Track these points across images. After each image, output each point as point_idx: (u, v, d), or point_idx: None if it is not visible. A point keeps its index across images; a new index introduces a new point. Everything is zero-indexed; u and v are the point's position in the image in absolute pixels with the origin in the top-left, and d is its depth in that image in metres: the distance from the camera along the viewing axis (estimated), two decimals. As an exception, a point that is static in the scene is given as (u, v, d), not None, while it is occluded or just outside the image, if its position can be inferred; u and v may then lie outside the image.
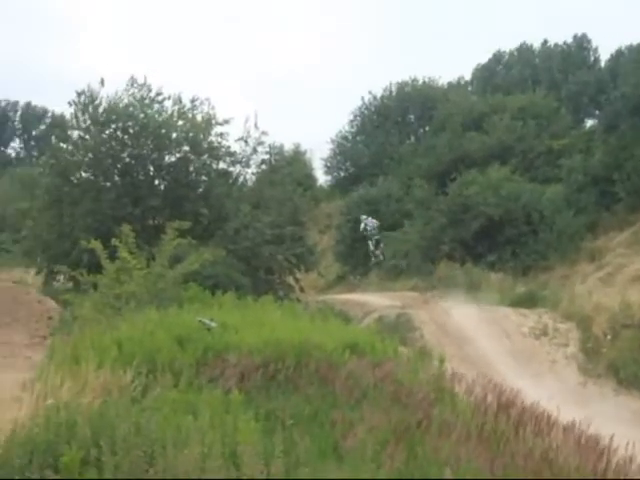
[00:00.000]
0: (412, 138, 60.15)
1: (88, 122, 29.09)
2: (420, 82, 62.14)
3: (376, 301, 31.84)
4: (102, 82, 29.03)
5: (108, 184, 29.70)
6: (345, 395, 10.85)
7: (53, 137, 34.13)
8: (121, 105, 29.06)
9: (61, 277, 27.35)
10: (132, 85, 29.44)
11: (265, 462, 7.74)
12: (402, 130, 60.63)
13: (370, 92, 62.05)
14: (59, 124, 31.56)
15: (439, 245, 38.96)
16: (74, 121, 29.45)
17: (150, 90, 29.65)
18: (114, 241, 19.06)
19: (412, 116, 61.36)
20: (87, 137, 29.33)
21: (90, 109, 28.87)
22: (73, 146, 29.60)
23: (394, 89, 61.75)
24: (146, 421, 8.25)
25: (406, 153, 53.71)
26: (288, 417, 9.76)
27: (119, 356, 11.51)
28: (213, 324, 13.40)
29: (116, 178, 29.72)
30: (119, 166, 29.49)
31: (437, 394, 11.41)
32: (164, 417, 8.70)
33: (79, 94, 28.89)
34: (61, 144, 30.23)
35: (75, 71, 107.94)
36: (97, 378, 10.31)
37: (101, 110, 28.87)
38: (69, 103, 29.13)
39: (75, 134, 29.63)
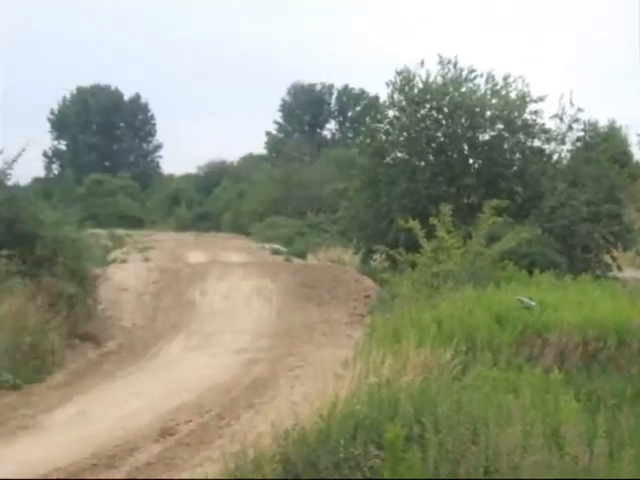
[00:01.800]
0: None
1: (404, 102, 29.49)
2: None
3: None
4: (422, 63, 29.32)
5: (422, 163, 29.94)
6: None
7: (367, 118, 34.86)
8: (434, 85, 29.21)
9: (378, 256, 27.89)
10: (444, 64, 29.51)
11: (588, 442, 7.54)
12: None
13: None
14: (375, 105, 32.19)
15: None
16: (390, 101, 29.97)
17: (462, 69, 29.62)
18: (432, 220, 19.21)
19: None
20: (402, 117, 29.75)
21: (406, 89, 29.27)
22: (389, 126, 30.14)
23: None
24: (467, 399, 8.26)
25: None
26: (610, 397, 9.46)
27: (438, 334, 11.59)
28: (532, 303, 13.22)
29: (430, 157, 29.89)
30: (433, 145, 29.64)
31: None
32: (485, 395, 8.68)
33: (398, 73, 29.38)
34: (377, 124, 30.82)
35: (391, 53, 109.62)
36: (417, 356, 10.43)
37: (416, 90, 29.17)
38: (386, 83, 29.68)
39: (390, 114, 30.16)
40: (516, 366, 10.79)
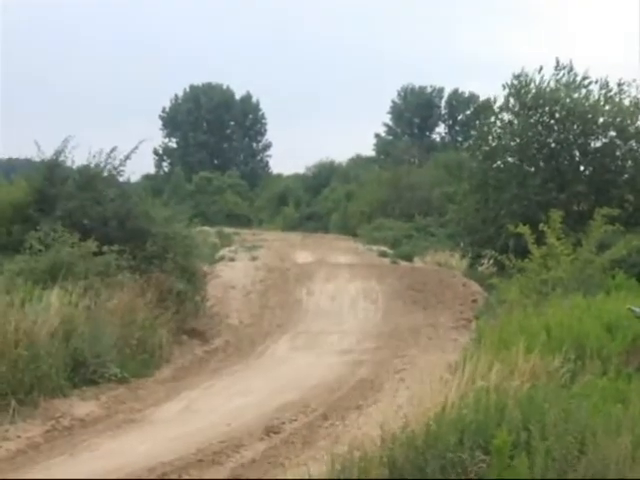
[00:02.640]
0: None
1: (517, 107, 29.27)
2: None
3: None
4: (540, 69, 29.06)
5: (533, 169, 29.66)
6: None
7: (477, 122, 34.65)
8: (548, 90, 28.89)
9: (486, 261, 27.70)
10: (558, 69, 29.18)
11: None
12: None
13: None
14: (487, 108, 31.94)
15: None
16: (505, 104, 29.74)
17: (576, 74, 29.25)
18: (542, 226, 18.98)
19: None
20: (515, 121, 29.52)
21: (522, 93, 29.03)
22: (501, 129, 29.93)
23: None
24: (576, 407, 8.12)
25: None
26: None
27: (547, 341, 11.43)
28: (644, 313, 12.92)
29: (541, 163, 29.60)
30: (544, 151, 29.34)
31: None
32: (593, 404, 8.51)
33: (515, 77, 29.17)
34: (488, 128, 30.62)
35: (502, 57, 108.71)
36: (526, 362, 10.30)
37: (530, 95, 28.90)
38: (502, 86, 29.45)
39: (505, 118, 29.95)
40: (626, 375, 10.56)
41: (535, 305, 15.42)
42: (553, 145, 29.35)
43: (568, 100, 28.72)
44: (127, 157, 19.83)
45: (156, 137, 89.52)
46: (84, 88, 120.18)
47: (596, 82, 29.10)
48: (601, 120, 28.90)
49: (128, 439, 11.15)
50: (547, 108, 28.83)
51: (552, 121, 29.08)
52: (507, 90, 29.39)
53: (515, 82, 29.20)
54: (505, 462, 7.04)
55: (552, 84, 29.11)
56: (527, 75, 29.03)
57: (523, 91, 29.03)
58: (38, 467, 9.85)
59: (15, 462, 10.06)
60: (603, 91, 29.11)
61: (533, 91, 28.92)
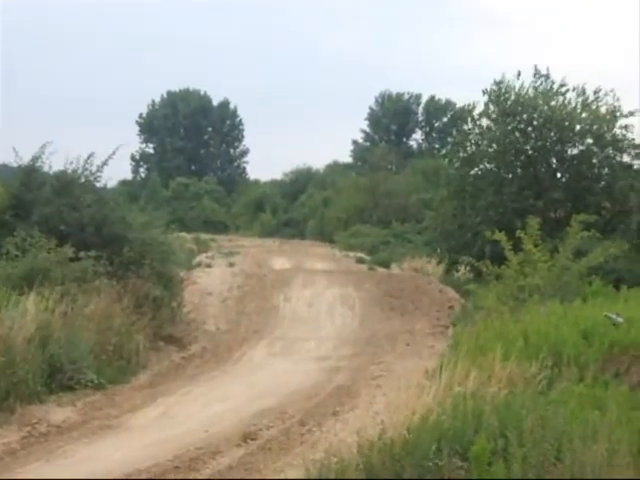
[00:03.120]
0: None
1: (496, 113, 29.44)
2: None
3: None
4: (518, 74, 29.25)
5: (510, 176, 29.83)
6: None
7: (455, 128, 34.87)
8: (526, 97, 29.07)
9: (462, 267, 27.78)
10: (536, 77, 29.38)
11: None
12: None
13: None
14: (466, 114, 32.11)
15: None
16: (485, 110, 29.90)
17: (553, 82, 29.46)
18: (519, 233, 19.05)
19: None
20: (493, 128, 29.67)
21: (501, 100, 29.20)
22: (479, 136, 30.08)
23: None
24: (552, 414, 8.17)
25: None
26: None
27: (525, 348, 11.50)
28: (620, 319, 13.00)
29: (518, 170, 29.79)
30: (522, 158, 29.53)
31: None
32: (570, 411, 8.57)
33: (496, 83, 29.33)
34: (466, 134, 30.78)
35: (476, 64, 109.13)
36: (503, 369, 10.36)
37: (509, 102, 29.08)
38: (482, 92, 29.62)
39: (484, 124, 30.10)
40: (602, 382, 10.64)
41: (512, 312, 15.49)
42: (530, 152, 29.56)
43: (546, 107, 28.91)
44: (104, 163, 19.78)
45: (133, 143, 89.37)
46: (61, 93, 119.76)
47: (573, 90, 29.37)
48: (578, 127, 29.16)
49: (104, 445, 11.10)
50: (525, 115, 29.01)
51: (529, 128, 29.27)
52: (487, 96, 29.58)
53: (495, 88, 29.37)
54: (483, 469, 7.06)
55: (530, 92, 29.31)
56: (507, 82, 29.22)
57: (503, 98, 29.19)
58: (13, 474, 9.79)
59: (-9, 468, 10.00)
60: (580, 99, 29.38)
61: (512, 98, 29.09)
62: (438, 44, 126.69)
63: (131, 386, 15.02)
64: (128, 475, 9.58)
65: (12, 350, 12.43)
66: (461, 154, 30.46)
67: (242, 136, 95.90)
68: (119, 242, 18.86)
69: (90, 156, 19.76)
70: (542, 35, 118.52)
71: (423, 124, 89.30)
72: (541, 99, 29.05)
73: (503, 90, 29.27)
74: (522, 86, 29.24)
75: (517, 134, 29.36)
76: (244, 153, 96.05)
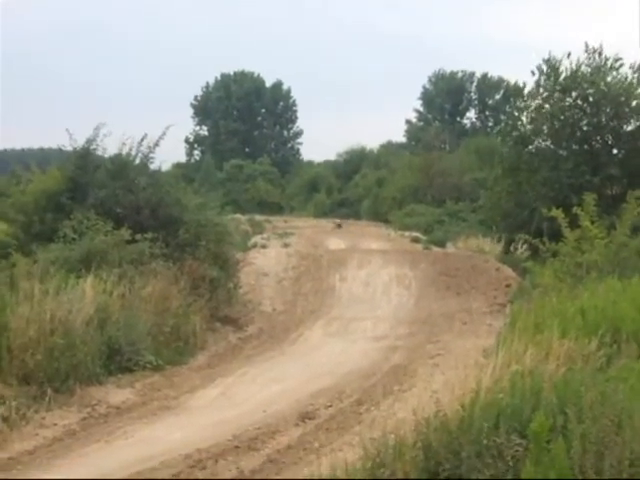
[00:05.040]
0: None
1: (548, 91, 29.12)
2: None
3: None
4: (569, 54, 28.91)
5: (565, 153, 29.51)
6: None
7: (507, 106, 34.55)
8: (580, 73, 28.72)
9: (519, 245, 27.56)
10: (590, 53, 29.00)
11: None
12: None
13: None
14: (518, 92, 31.82)
15: None
16: (536, 89, 29.60)
17: (607, 58, 29.05)
18: (575, 209, 18.84)
19: None
20: (546, 105, 29.36)
21: (552, 77, 28.88)
22: (534, 113, 29.78)
23: None
24: (612, 390, 8.06)
25: None
26: None
27: (583, 325, 11.37)
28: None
29: (574, 146, 29.45)
30: (577, 134, 29.17)
31: None
32: (630, 387, 8.46)
33: (545, 61, 29.02)
34: (519, 112, 30.52)
35: (530, 41, 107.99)
36: (561, 346, 10.25)
37: (562, 78, 28.75)
38: (532, 72, 29.32)
39: (535, 102, 29.79)
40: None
41: (570, 289, 15.32)
42: (586, 128, 29.19)
43: (602, 83, 28.55)
44: (156, 143, 19.85)
45: (188, 125, 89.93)
46: (115, 78, 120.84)
47: (630, 67, 28.94)
48: (634, 103, 28.70)
49: (163, 426, 11.22)
50: (580, 91, 28.66)
51: (585, 104, 28.91)
52: (537, 74, 29.24)
53: (545, 66, 29.04)
54: (542, 446, 7.00)
55: (583, 68, 28.95)
56: (556, 59, 28.87)
57: (554, 75, 28.86)
58: (73, 454, 9.94)
59: (52, 449, 10.15)
60: (636, 74, 28.91)
61: (564, 74, 28.76)
62: (488, 21, 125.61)
63: (189, 367, 15.15)
64: (188, 455, 9.66)
65: (71, 333, 12.58)
66: (514, 133, 30.19)
67: (295, 117, 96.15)
68: (175, 224, 18.98)
69: (143, 138, 19.87)
70: (594, 10, 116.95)
71: (476, 102, 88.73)
72: (596, 75, 28.66)
73: (554, 67, 28.91)
74: (578, 62, 28.87)
75: (573, 111, 29.03)
76: (298, 134, 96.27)
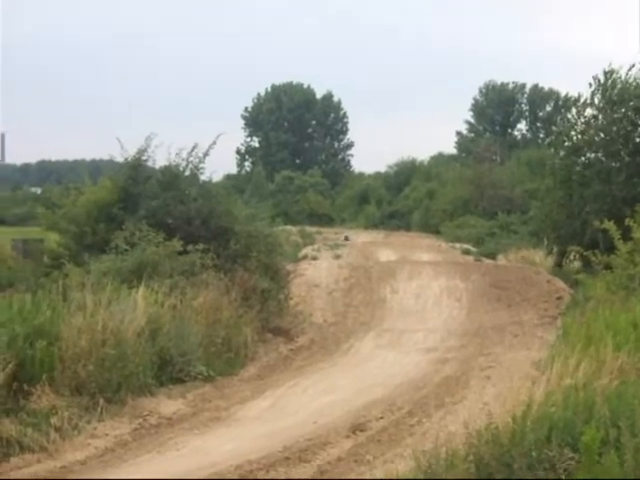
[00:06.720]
0: None
1: (602, 102, 28.87)
2: None
3: None
4: (630, 68, 28.64)
5: (617, 165, 29.22)
6: None
7: (559, 117, 34.28)
8: (634, 85, 28.46)
9: (571, 257, 27.30)
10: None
11: None
12: None
13: None
14: (570, 104, 31.60)
15: None
16: (591, 100, 29.37)
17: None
18: (628, 221, 18.65)
19: None
20: (600, 117, 29.11)
21: (607, 89, 28.64)
22: (585, 125, 29.54)
23: None
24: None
25: None
26: None
27: (635, 338, 11.24)
28: None
29: (626, 159, 29.15)
30: (630, 147, 28.90)
31: None
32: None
33: (605, 73, 28.79)
34: (571, 124, 30.28)
35: (586, 53, 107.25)
36: (614, 359, 10.16)
37: (615, 90, 28.49)
38: (589, 84, 29.13)
39: (589, 113, 29.56)
40: None
41: (622, 301, 15.14)
42: (638, 140, 28.89)
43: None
44: (206, 153, 20.01)
45: (239, 137, 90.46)
46: (166, 88, 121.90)
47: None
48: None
49: (214, 437, 11.27)
50: (632, 103, 28.38)
51: (637, 116, 28.62)
52: (593, 86, 29.01)
53: (601, 78, 28.81)
54: (594, 459, 6.95)
55: (638, 80, 28.68)
56: (614, 72, 28.63)
57: (609, 87, 28.62)
58: (126, 465, 10.03)
59: (103, 460, 10.25)
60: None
61: (619, 86, 28.50)
62: (543, 32, 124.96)
63: (240, 378, 15.19)
64: (239, 466, 9.69)
65: (123, 343, 12.68)
66: (566, 143, 29.97)
67: (346, 129, 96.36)
68: (226, 235, 19.08)
69: (194, 148, 20.01)
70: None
71: (527, 114, 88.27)
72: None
73: (610, 80, 28.66)
74: (628, 74, 28.60)
75: (625, 123, 28.74)
76: (348, 146, 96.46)
